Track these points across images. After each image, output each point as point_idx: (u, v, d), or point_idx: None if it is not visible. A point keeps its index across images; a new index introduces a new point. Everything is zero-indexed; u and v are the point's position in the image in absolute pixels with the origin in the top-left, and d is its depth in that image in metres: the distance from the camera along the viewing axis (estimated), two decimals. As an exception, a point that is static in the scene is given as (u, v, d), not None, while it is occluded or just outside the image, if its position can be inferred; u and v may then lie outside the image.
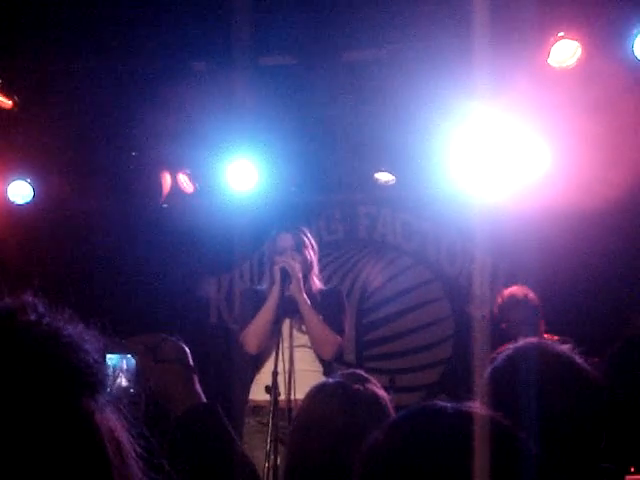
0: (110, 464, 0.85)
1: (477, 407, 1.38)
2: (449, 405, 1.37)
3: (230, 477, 2.28)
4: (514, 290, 5.57)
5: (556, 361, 2.18)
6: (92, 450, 0.84)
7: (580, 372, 2.17)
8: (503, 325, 5.49)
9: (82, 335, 0.88)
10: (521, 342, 2.27)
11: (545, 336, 5.47)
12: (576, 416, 2.08)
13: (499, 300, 5.58)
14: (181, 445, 2.16)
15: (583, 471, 2.06)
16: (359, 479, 1.35)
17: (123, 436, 0.89)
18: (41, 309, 0.88)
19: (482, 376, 2.27)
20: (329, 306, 4.96)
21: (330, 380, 2.48)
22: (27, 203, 6.62)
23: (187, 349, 3.06)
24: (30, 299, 0.88)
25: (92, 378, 0.86)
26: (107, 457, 0.85)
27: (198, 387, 2.55)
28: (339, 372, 2.60)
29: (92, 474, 0.83)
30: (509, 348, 2.24)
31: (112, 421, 0.88)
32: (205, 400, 2.47)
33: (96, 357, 0.87)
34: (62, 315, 0.89)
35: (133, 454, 0.90)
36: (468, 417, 1.34)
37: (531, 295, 5.50)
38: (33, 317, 0.86)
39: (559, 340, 5.44)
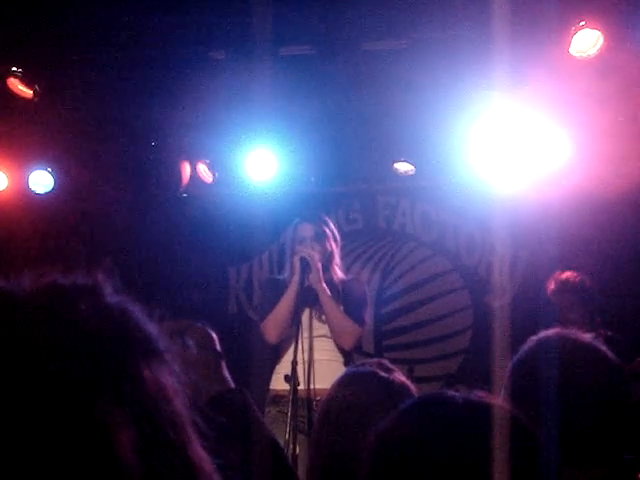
0: (177, 419, 0.93)
1: (486, 397, 1.39)
2: (458, 395, 1.37)
3: (259, 462, 2.28)
4: (567, 274, 5.59)
5: (580, 349, 2.16)
6: (159, 406, 0.91)
7: (605, 360, 2.15)
8: (551, 309, 5.51)
9: (145, 315, 0.98)
10: (542, 333, 2.25)
11: (601, 331, 5.47)
12: (602, 403, 2.06)
13: (551, 284, 5.59)
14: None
15: (608, 461, 2.05)
16: (368, 464, 1.36)
17: (183, 407, 0.95)
18: (112, 288, 0.97)
19: (501, 367, 2.27)
20: (350, 296, 4.95)
21: (360, 369, 2.45)
22: (48, 193, 6.64)
23: (214, 335, 3.07)
24: (103, 278, 0.98)
25: (158, 347, 0.95)
26: (174, 414, 0.93)
27: (226, 372, 2.55)
28: (364, 361, 2.57)
29: (162, 423, 0.90)
30: (531, 339, 2.22)
31: (176, 392, 0.95)
32: (233, 386, 2.46)
33: (159, 332, 0.97)
34: (128, 296, 0.99)
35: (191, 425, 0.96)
36: (476, 407, 1.35)
37: (586, 282, 5.53)
38: (108, 292, 0.96)
39: (611, 335, 5.46)
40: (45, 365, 0.84)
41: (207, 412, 1.00)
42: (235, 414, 2.29)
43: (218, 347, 3.26)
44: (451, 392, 1.40)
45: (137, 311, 0.96)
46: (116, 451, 0.83)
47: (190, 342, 2.46)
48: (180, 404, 0.94)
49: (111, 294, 0.96)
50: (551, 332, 2.24)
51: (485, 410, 1.35)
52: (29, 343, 0.85)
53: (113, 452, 0.83)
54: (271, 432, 3.11)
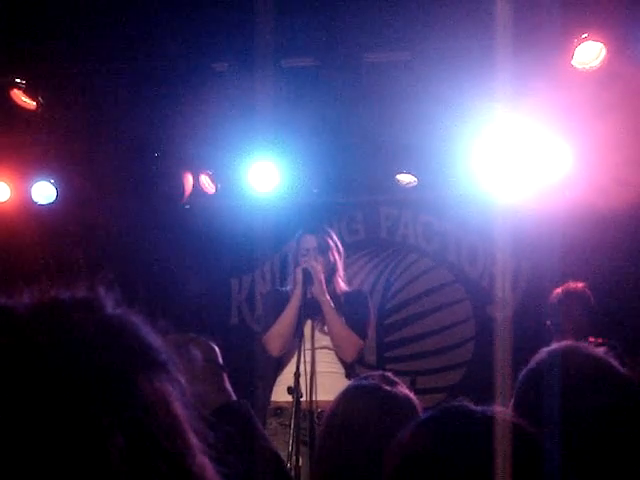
0: (179, 432, 0.92)
1: (503, 412, 1.38)
2: (477, 409, 1.37)
3: (262, 473, 2.27)
4: (574, 285, 5.62)
5: (591, 363, 2.15)
6: (161, 420, 0.91)
7: (615, 374, 2.14)
8: (549, 322, 5.55)
9: (149, 327, 0.98)
10: (555, 345, 2.24)
11: (590, 339, 5.50)
12: (611, 416, 2.05)
13: (558, 292, 5.62)
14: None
15: (619, 474, 2.03)
16: (386, 476, 1.36)
17: (186, 421, 0.95)
18: (113, 301, 0.98)
19: (503, 378, 2.26)
20: (352, 308, 4.95)
21: (364, 383, 2.44)
22: (50, 204, 6.65)
23: (217, 348, 3.07)
24: (103, 292, 0.98)
25: (162, 361, 0.94)
26: (177, 426, 0.92)
27: (228, 385, 2.55)
28: (367, 374, 2.56)
29: (162, 438, 0.90)
30: (543, 351, 2.21)
31: (178, 404, 0.94)
32: (235, 398, 2.46)
33: (164, 345, 0.97)
34: (130, 308, 0.99)
35: (197, 438, 0.96)
36: (494, 422, 1.35)
37: (590, 295, 5.57)
38: (109, 306, 0.96)
39: (603, 343, 5.49)
40: (41, 375, 0.85)
41: (212, 422, 1.00)
42: (237, 426, 2.29)
43: (220, 360, 3.26)
44: (469, 405, 1.40)
45: (139, 323, 0.96)
46: (103, 458, 0.84)
47: (196, 354, 2.46)
48: (181, 414, 0.93)
49: (112, 307, 0.96)
50: (563, 344, 2.23)
51: (502, 426, 1.34)
52: (26, 358, 0.86)
53: (100, 459, 0.84)
54: (273, 444, 3.11)
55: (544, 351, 2.21)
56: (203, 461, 0.93)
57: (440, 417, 1.41)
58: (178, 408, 0.93)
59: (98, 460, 0.83)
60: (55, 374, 0.85)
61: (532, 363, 2.20)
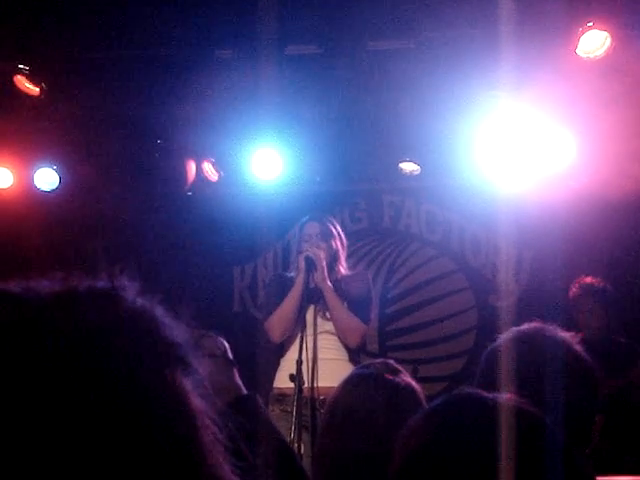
0: (197, 427, 0.91)
1: (515, 400, 1.38)
2: (488, 395, 1.37)
3: (275, 467, 2.27)
4: (591, 279, 5.62)
5: (554, 344, 2.20)
6: (182, 416, 0.90)
7: (576, 357, 2.18)
8: (575, 314, 5.54)
9: (170, 318, 0.95)
10: (524, 325, 2.29)
11: (613, 337, 5.52)
12: (568, 399, 2.08)
13: (573, 289, 5.61)
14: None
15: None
16: (397, 467, 1.36)
17: (206, 416, 0.94)
18: (135, 290, 0.95)
19: (507, 366, 2.27)
20: (355, 293, 4.94)
21: (366, 371, 2.43)
22: (53, 190, 6.65)
23: (226, 344, 3.08)
24: (125, 281, 0.96)
25: (182, 355, 0.93)
26: (196, 425, 0.91)
27: (238, 380, 2.56)
28: (369, 362, 2.55)
29: (180, 433, 0.88)
30: (511, 331, 2.27)
31: (198, 399, 0.94)
32: (245, 392, 2.47)
33: (185, 338, 0.94)
34: (153, 298, 0.96)
35: (216, 434, 0.95)
36: (507, 409, 1.34)
37: (609, 289, 5.56)
38: (130, 296, 0.94)
39: (626, 342, 5.52)
40: (59, 364, 0.84)
41: (228, 415, 1.00)
42: (249, 420, 2.29)
43: (230, 355, 3.27)
44: (481, 393, 1.40)
45: (160, 315, 0.94)
46: (118, 452, 0.83)
47: (208, 348, 2.47)
48: (200, 408, 0.92)
49: (133, 297, 0.94)
50: (531, 325, 2.28)
51: (516, 413, 1.34)
52: (46, 344, 0.85)
53: (115, 453, 0.83)
54: (284, 437, 3.11)
55: (511, 331, 2.26)
56: (220, 458, 0.93)
57: (451, 404, 1.40)
58: (197, 401, 0.92)
59: (113, 454, 0.83)
60: (76, 363, 0.84)
61: (497, 342, 2.25)
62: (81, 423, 0.82)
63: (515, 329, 2.27)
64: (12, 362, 0.83)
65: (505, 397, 1.38)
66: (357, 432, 2.24)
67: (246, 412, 2.34)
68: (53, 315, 0.88)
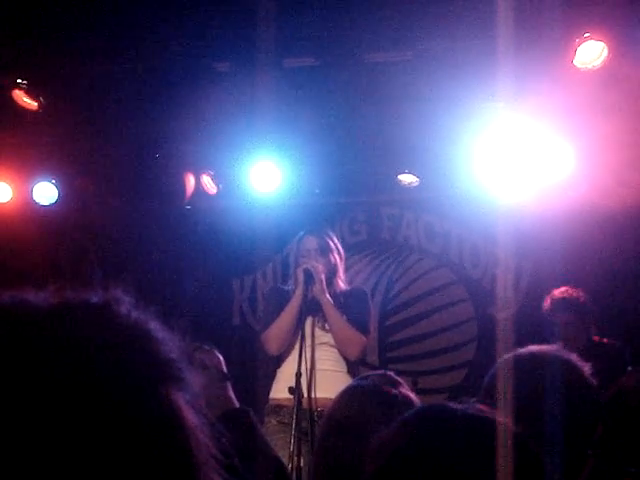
0: (190, 444, 0.89)
1: (486, 411, 1.38)
2: (458, 407, 1.37)
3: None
4: (562, 291, 5.58)
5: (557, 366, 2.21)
6: (175, 433, 0.88)
7: (581, 377, 2.19)
8: (548, 327, 5.52)
9: (165, 332, 0.93)
10: (533, 347, 2.29)
11: (595, 339, 5.49)
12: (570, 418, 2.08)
13: (547, 302, 5.59)
14: None
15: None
16: (369, 474, 1.36)
17: (200, 432, 0.93)
18: (129, 303, 0.93)
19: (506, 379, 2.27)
20: (354, 305, 4.94)
21: (364, 383, 2.42)
22: (52, 204, 6.65)
23: (221, 357, 3.08)
24: (120, 294, 0.94)
25: (176, 371, 0.91)
26: (189, 442, 0.89)
27: (231, 393, 2.55)
28: (368, 374, 2.54)
29: (172, 451, 0.87)
30: (513, 353, 2.27)
31: (192, 416, 0.92)
32: (238, 405, 2.46)
33: (179, 353, 0.92)
34: (148, 311, 0.94)
35: (210, 451, 0.93)
36: (475, 420, 1.35)
37: (581, 297, 5.52)
38: (123, 309, 0.92)
39: (609, 342, 5.52)
40: (52, 376, 0.83)
41: (221, 429, 0.98)
42: (240, 433, 2.28)
43: (225, 368, 3.26)
44: (452, 404, 1.40)
45: (154, 329, 0.92)
46: (110, 468, 0.82)
47: (202, 362, 2.46)
48: (194, 424, 0.91)
49: (128, 312, 0.92)
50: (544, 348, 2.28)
51: (483, 423, 1.35)
52: (39, 355, 0.84)
53: (106, 469, 0.82)
54: (274, 451, 3.10)
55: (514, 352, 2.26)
56: (213, 474, 0.92)
57: (420, 415, 1.41)
58: (191, 417, 0.91)
59: (104, 470, 0.81)
60: (67, 378, 0.83)
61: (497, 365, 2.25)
62: (72, 439, 0.81)
63: (516, 352, 2.27)
64: (2, 376, 0.82)
65: (475, 408, 1.39)
66: (351, 444, 2.23)
67: (238, 426, 2.33)
68: (44, 329, 0.86)
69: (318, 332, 4.87)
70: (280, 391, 4.78)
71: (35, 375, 0.83)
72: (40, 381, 0.82)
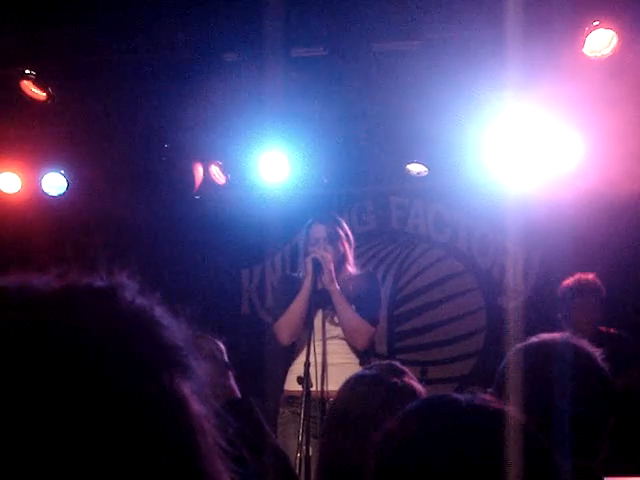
0: (195, 433, 0.89)
1: (492, 401, 1.38)
2: (463, 397, 1.37)
3: (270, 471, 2.27)
4: (583, 277, 5.60)
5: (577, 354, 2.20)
6: (178, 420, 0.88)
7: (594, 365, 2.18)
8: (559, 314, 5.53)
9: (170, 318, 0.93)
10: (546, 335, 2.29)
11: (601, 329, 5.50)
12: (582, 404, 2.09)
13: (569, 285, 5.60)
14: None
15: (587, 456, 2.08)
16: (373, 467, 1.37)
17: (205, 421, 0.92)
18: (135, 290, 0.93)
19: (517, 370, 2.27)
20: (362, 293, 4.93)
21: (367, 372, 2.43)
22: (61, 195, 6.66)
23: (222, 346, 3.08)
24: (125, 280, 0.94)
25: (181, 358, 0.91)
26: (193, 430, 0.89)
27: (233, 382, 2.55)
28: (373, 364, 2.55)
29: (176, 440, 0.86)
30: (525, 341, 2.27)
31: (197, 404, 0.91)
32: (240, 395, 2.46)
33: (185, 340, 0.92)
34: (153, 298, 0.94)
35: (216, 440, 0.93)
36: (481, 411, 1.35)
37: (599, 283, 5.56)
38: (128, 295, 0.91)
39: (615, 333, 5.52)
40: (54, 359, 0.82)
41: (226, 418, 0.98)
42: (241, 423, 2.28)
43: (226, 358, 3.26)
44: (456, 395, 1.40)
45: (160, 315, 0.92)
46: (114, 456, 0.82)
47: (203, 350, 2.46)
48: (198, 412, 0.90)
49: (133, 297, 0.91)
50: (557, 335, 2.28)
51: (488, 414, 1.35)
52: (42, 338, 0.84)
53: (110, 457, 0.81)
54: (276, 441, 3.11)
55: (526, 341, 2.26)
56: (219, 464, 0.91)
57: (424, 406, 1.41)
58: (196, 406, 0.91)
59: (108, 458, 0.81)
60: (70, 364, 0.82)
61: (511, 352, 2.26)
62: (75, 426, 0.81)
63: (527, 342, 2.28)
64: (6, 362, 0.82)
65: (480, 398, 1.39)
66: (355, 432, 2.24)
67: (239, 415, 2.33)
68: (49, 314, 0.86)
69: (328, 326, 4.87)
70: (293, 383, 4.79)
71: (38, 359, 0.82)
72: (43, 365, 0.82)
